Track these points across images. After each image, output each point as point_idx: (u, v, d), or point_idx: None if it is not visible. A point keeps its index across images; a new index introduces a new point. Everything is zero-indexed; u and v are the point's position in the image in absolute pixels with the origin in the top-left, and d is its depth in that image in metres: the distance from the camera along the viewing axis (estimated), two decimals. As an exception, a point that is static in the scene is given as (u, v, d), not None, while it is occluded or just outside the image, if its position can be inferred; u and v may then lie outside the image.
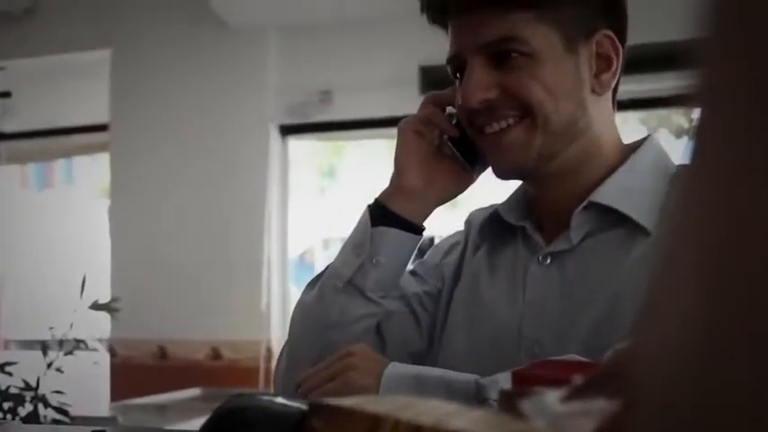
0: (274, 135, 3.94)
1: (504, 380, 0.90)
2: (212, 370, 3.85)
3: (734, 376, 0.21)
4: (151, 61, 4.05)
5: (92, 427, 1.17)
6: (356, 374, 0.97)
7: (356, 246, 1.14)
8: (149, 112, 4.05)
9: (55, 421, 2.64)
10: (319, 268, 1.22)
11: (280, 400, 0.63)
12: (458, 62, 1.06)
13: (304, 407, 0.57)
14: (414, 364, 1.05)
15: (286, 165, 4.02)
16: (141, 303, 3.75)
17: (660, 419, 0.23)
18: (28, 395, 2.71)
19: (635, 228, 1.01)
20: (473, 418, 0.43)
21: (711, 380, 0.21)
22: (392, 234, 1.13)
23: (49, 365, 2.81)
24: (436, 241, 1.29)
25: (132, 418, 3.14)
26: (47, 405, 2.69)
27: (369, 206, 1.16)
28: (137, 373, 3.93)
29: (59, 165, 4.73)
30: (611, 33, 1.04)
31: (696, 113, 0.24)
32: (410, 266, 1.19)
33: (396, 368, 0.99)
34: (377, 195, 1.16)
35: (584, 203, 1.03)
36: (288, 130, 3.98)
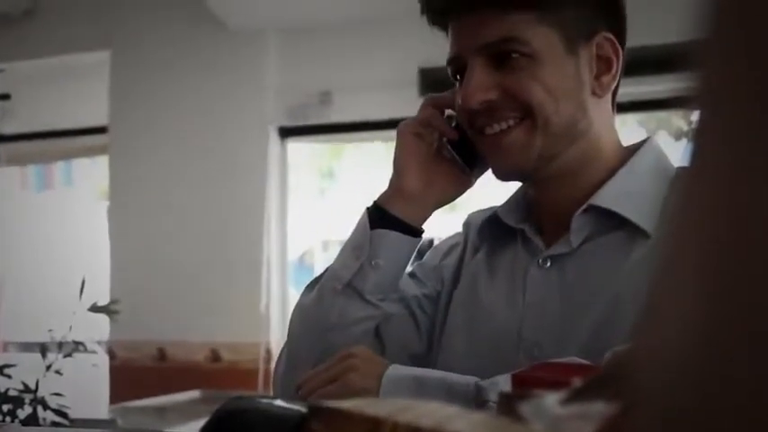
0: (273, 137, 3.94)
1: (504, 382, 0.90)
2: (211, 372, 3.85)
3: (734, 379, 0.21)
4: (151, 63, 4.05)
5: (91, 429, 1.17)
6: (356, 376, 0.97)
7: (355, 248, 1.14)
8: (149, 114, 4.05)
9: (54, 424, 2.63)
10: (318, 270, 1.22)
11: (279, 402, 0.63)
12: (458, 63, 1.06)
13: (303, 409, 0.57)
14: (413, 366, 1.04)
15: (285, 167, 4.02)
16: (140, 305, 3.75)
17: (660, 422, 0.23)
18: (27, 397, 2.70)
19: (635, 231, 1.01)
20: (473, 420, 0.42)
21: (711, 382, 0.21)
22: (391, 237, 1.12)
23: (48, 368, 2.80)
24: (435, 243, 1.29)
25: (131, 420, 3.14)
26: (46, 407, 2.69)
27: (368, 209, 1.15)
28: (136, 375, 3.92)
29: (59, 167, 4.73)
30: (611, 36, 1.04)
31: (695, 115, 0.23)
32: (409, 268, 1.19)
33: (396, 370, 0.99)
34: (376, 198, 1.16)
35: (585, 206, 1.03)
36: (287, 133, 3.99)
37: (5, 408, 2.68)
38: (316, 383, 0.98)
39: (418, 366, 1.05)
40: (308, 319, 1.16)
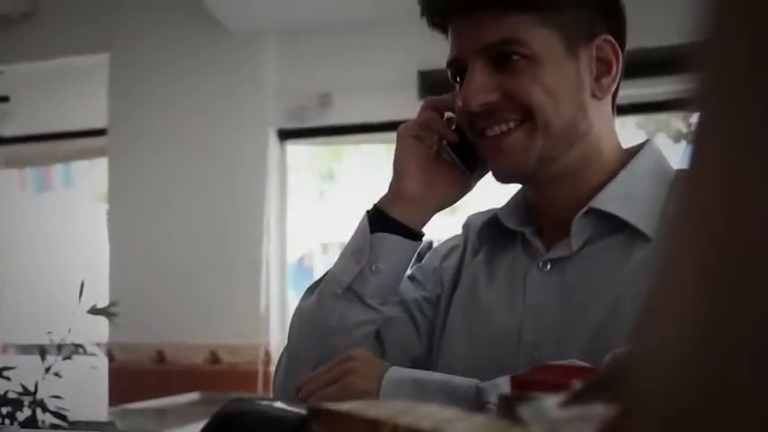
0: (273, 140, 3.94)
1: (504, 384, 0.90)
2: (211, 374, 3.84)
3: (734, 379, 0.21)
4: (150, 65, 4.05)
5: (90, 431, 1.17)
6: (357, 378, 0.97)
7: (355, 252, 1.14)
8: (148, 116, 4.05)
9: (53, 426, 2.63)
10: (318, 272, 1.22)
11: (279, 404, 0.63)
12: (458, 65, 1.06)
13: (303, 411, 0.57)
14: (413, 368, 1.04)
15: (284, 169, 4.02)
16: (140, 307, 3.75)
17: (660, 423, 0.23)
18: (26, 400, 2.70)
19: (635, 233, 1.01)
20: (472, 423, 0.42)
21: (711, 383, 0.21)
22: (391, 240, 1.12)
23: (48, 370, 2.80)
24: (435, 245, 1.29)
25: (131, 422, 3.13)
26: (45, 410, 2.69)
27: (368, 212, 1.15)
28: (135, 377, 3.92)
29: (58, 169, 4.73)
30: (611, 38, 1.04)
31: (695, 117, 0.23)
32: (408, 271, 1.19)
33: (396, 372, 0.99)
34: (376, 201, 1.16)
35: (585, 209, 1.03)
36: (286, 135, 3.98)
37: (4, 410, 2.68)
38: (316, 385, 0.98)
39: (418, 369, 1.05)
40: (308, 323, 1.16)
